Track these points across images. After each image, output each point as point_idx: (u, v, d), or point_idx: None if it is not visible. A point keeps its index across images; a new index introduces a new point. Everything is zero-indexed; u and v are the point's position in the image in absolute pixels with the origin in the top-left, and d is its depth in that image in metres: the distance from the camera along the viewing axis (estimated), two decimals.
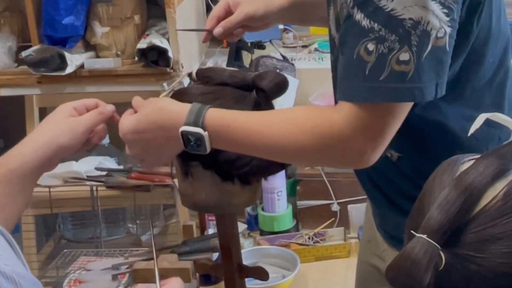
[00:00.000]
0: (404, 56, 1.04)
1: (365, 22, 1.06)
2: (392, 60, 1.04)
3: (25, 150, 1.13)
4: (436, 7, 1.03)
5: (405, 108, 1.09)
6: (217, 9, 1.47)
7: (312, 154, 1.12)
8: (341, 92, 1.10)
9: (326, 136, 1.09)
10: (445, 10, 1.04)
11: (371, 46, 1.05)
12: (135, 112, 1.19)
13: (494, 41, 1.21)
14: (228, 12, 1.46)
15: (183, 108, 1.14)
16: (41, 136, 1.16)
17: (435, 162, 0.86)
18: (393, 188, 1.31)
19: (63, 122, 1.18)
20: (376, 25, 1.05)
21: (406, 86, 1.05)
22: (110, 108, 1.23)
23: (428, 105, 1.15)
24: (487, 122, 0.90)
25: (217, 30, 1.45)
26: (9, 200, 1.11)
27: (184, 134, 1.12)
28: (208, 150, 1.13)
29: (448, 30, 1.05)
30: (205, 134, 1.11)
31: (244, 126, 1.13)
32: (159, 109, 1.16)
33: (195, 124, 1.12)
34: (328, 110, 1.13)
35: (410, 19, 1.03)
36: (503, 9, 1.25)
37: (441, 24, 1.04)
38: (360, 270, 1.62)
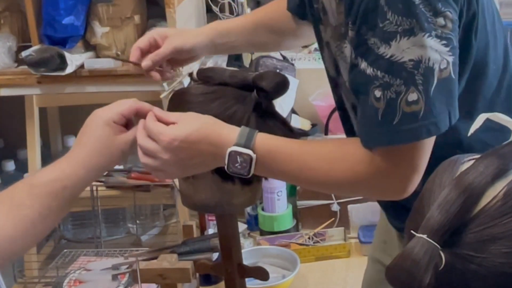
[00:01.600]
0: (413, 96, 1.05)
1: (370, 71, 1.08)
2: (401, 103, 1.06)
3: (77, 173, 1.12)
4: (433, 42, 1.05)
5: (429, 141, 1.11)
6: (141, 41, 1.46)
7: (354, 188, 1.17)
8: (362, 139, 1.13)
9: (369, 173, 1.12)
10: (444, 42, 1.06)
11: (378, 93, 1.07)
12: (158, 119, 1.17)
13: (493, 48, 1.21)
14: (153, 45, 1.45)
15: (232, 129, 1.15)
16: (90, 159, 1.14)
17: None
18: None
19: (110, 144, 1.15)
20: (379, 72, 1.07)
21: (420, 125, 1.06)
22: (154, 118, 1.19)
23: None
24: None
25: (145, 63, 1.44)
26: (53, 214, 1.11)
27: (233, 155, 1.13)
28: (252, 172, 1.14)
29: (450, 59, 1.07)
30: (254, 156, 1.13)
31: (291, 155, 1.15)
32: (210, 125, 1.16)
33: (246, 146, 1.13)
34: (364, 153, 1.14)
35: (411, 60, 1.04)
36: (496, 13, 1.26)
37: (442, 56, 1.05)
38: (372, 269, 1.62)
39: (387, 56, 1.05)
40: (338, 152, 1.15)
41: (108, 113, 1.17)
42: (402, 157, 1.10)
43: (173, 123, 1.15)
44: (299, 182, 1.19)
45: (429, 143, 1.11)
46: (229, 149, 1.13)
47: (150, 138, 1.15)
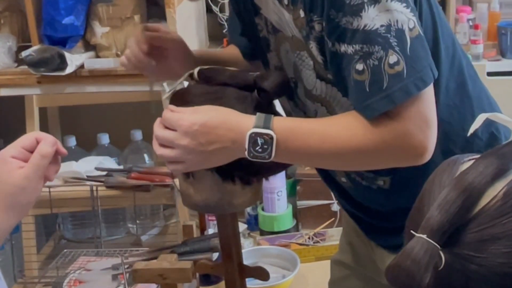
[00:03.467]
0: (393, 58, 1.10)
1: (350, 50, 1.12)
2: (385, 67, 1.10)
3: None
4: (396, 5, 1.11)
5: (425, 94, 1.13)
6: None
7: (379, 152, 1.16)
8: (363, 114, 1.14)
9: (391, 133, 1.13)
10: (404, 4, 1.12)
11: (360, 66, 1.11)
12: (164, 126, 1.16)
13: (441, 27, 1.25)
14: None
15: (248, 116, 1.16)
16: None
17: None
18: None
19: (10, 182, 1.04)
20: (357, 46, 1.11)
21: (407, 82, 1.10)
22: (51, 142, 1.09)
23: None
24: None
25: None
26: None
27: (253, 137, 1.13)
28: (273, 154, 1.14)
29: (414, 19, 1.12)
30: (275, 135, 1.13)
31: (311, 128, 1.16)
32: (227, 112, 1.16)
33: (265, 126, 1.13)
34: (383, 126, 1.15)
35: (382, 26, 1.10)
36: None
37: (407, 17, 1.11)
38: (335, 271, 1.63)
39: (361, 28, 1.10)
40: (356, 120, 1.16)
41: (7, 150, 1.07)
42: (410, 112, 1.12)
43: None
44: (324, 158, 1.17)
45: (426, 96, 1.13)
46: (249, 132, 1.13)
47: (167, 129, 1.15)
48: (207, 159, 1.16)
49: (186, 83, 1.31)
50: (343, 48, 1.13)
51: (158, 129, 1.16)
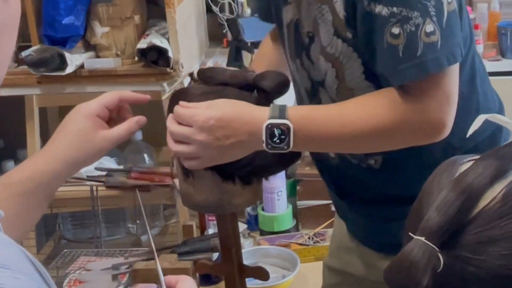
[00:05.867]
0: (430, 27, 1.10)
1: (385, 11, 1.11)
2: (421, 35, 1.10)
3: (53, 168, 1.07)
4: None
5: (452, 70, 1.14)
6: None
7: (398, 131, 1.15)
8: (392, 80, 1.14)
9: (409, 110, 1.13)
10: None
11: (396, 30, 1.11)
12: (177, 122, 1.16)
13: (465, 14, 1.25)
14: None
15: (262, 108, 1.15)
16: (67, 154, 1.08)
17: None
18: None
19: (90, 139, 1.10)
20: (395, 8, 1.10)
21: (440, 54, 1.11)
22: (143, 119, 1.16)
23: None
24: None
25: None
26: (31, 212, 1.07)
27: (270, 128, 1.12)
28: (291, 144, 1.13)
29: None
30: (291, 125, 1.12)
31: (327, 114, 1.16)
32: (241, 105, 1.16)
33: (281, 116, 1.13)
34: (400, 104, 1.15)
35: None
36: None
37: None
38: (328, 277, 1.63)
39: None
40: (372, 101, 1.16)
41: (91, 106, 1.12)
42: (434, 87, 1.13)
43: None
44: (343, 142, 1.16)
45: (453, 72, 1.14)
46: (265, 123, 1.12)
47: (182, 125, 1.14)
48: (223, 154, 1.15)
49: (186, 83, 1.31)
50: (378, 9, 1.12)
51: (172, 125, 1.15)
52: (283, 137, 1.12)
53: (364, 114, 1.15)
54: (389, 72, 1.14)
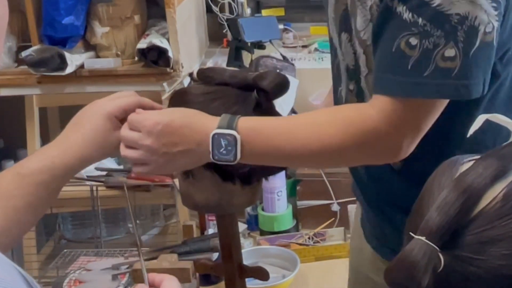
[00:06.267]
0: (450, 52, 1.03)
1: (407, 16, 1.05)
2: (437, 56, 1.03)
3: (67, 162, 1.08)
4: (484, 1, 1.02)
5: (443, 104, 1.08)
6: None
7: (348, 152, 1.10)
8: (378, 84, 1.09)
9: (362, 132, 1.07)
10: (494, 4, 1.03)
11: (414, 41, 1.04)
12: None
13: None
14: None
15: (214, 117, 1.11)
16: (83, 150, 1.09)
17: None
18: (389, 198, 1.31)
19: (107, 139, 1.11)
20: (420, 19, 1.03)
21: (451, 83, 1.04)
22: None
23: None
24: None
25: None
26: (42, 204, 1.08)
27: (216, 138, 1.08)
28: (238, 156, 1.09)
29: (496, 24, 1.04)
30: (238, 136, 1.08)
31: (277, 128, 1.11)
32: (193, 113, 1.12)
33: (228, 127, 1.08)
34: (363, 106, 1.12)
35: (457, 14, 1.02)
36: None
37: (489, 19, 1.03)
38: (354, 279, 1.62)
39: (434, 5, 1.02)
40: (326, 117, 1.11)
41: (111, 106, 1.12)
42: (412, 113, 1.07)
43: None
44: (292, 158, 1.11)
45: (440, 107, 1.08)
46: (212, 133, 1.08)
47: (132, 130, 1.11)
48: (172, 162, 1.11)
49: (186, 83, 1.31)
50: (400, 9, 1.05)
51: (123, 130, 1.12)
52: (229, 148, 1.08)
53: (313, 132, 1.10)
54: (382, 76, 1.08)
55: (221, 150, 1.09)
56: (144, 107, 1.14)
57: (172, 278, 1.01)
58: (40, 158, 1.08)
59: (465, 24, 1.02)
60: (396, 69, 1.07)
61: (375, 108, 1.08)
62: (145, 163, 1.12)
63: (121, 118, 1.13)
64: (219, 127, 1.09)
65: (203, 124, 1.10)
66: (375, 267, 1.42)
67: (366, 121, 1.08)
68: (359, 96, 1.25)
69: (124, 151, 1.12)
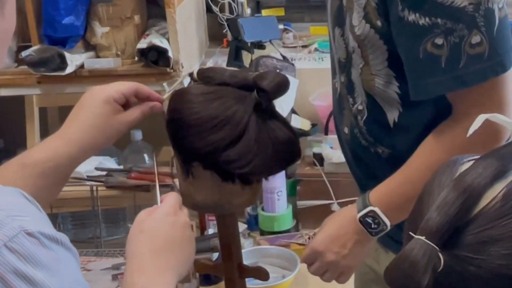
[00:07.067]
0: (476, 39, 1.09)
1: (424, 21, 1.10)
2: (465, 47, 1.09)
3: (70, 151, 1.08)
4: None
5: (503, 77, 1.13)
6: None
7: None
8: (421, 90, 1.15)
9: (459, 148, 1.12)
10: None
11: (439, 41, 1.10)
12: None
13: None
14: None
15: (349, 208, 1.28)
16: (85, 138, 1.09)
17: None
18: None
19: (108, 123, 1.11)
20: (439, 20, 1.09)
21: (486, 65, 1.10)
22: (158, 105, 1.18)
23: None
24: None
25: None
26: (47, 194, 1.07)
27: (362, 220, 1.23)
28: (388, 224, 1.22)
29: None
30: (375, 208, 1.21)
31: (398, 183, 1.22)
32: (338, 221, 1.29)
33: (364, 206, 1.23)
34: (447, 133, 1.18)
35: (470, 3, 1.08)
36: None
37: None
38: (358, 270, 1.63)
39: (447, 3, 1.08)
40: (424, 148, 1.20)
41: (109, 91, 1.12)
42: (483, 97, 1.12)
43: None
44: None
45: (504, 79, 1.13)
46: (357, 219, 1.24)
47: (312, 264, 1.33)
48: (352, 257, 1.28)
49: (186, 83, 1.31)
50: (413, 17, 1.11)
51: (310, 269, 1.34)
52: (376, 221, 1.22)
53: (422, 162, 1.19)
54: (419, 82, 1.14)
55: (373, 227, 1.23)
56: (142, 93, 1.15)
57: (171, 193, 1.10)
58: (43, 149, 1.08)
59: (481, 9, 1.08)
60: (432, 71, 1.12)
61: (450, 123, 1.17)
62: (342, 272, 1.31)
63: (121, 103, 1.13)
64: (359, 211, 1.24)
65: (346, 217, 1.27)
66: (376, 256, 1.44)
67: (455, 139, 1.15)
68: (349, 89, 1.32)
69: (325, 279, 1.33)
